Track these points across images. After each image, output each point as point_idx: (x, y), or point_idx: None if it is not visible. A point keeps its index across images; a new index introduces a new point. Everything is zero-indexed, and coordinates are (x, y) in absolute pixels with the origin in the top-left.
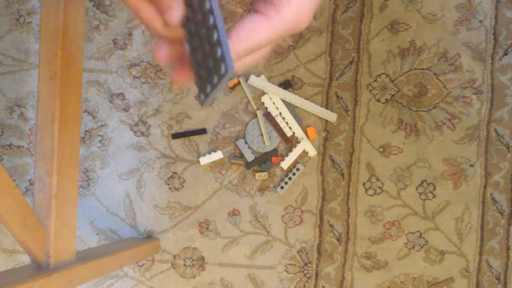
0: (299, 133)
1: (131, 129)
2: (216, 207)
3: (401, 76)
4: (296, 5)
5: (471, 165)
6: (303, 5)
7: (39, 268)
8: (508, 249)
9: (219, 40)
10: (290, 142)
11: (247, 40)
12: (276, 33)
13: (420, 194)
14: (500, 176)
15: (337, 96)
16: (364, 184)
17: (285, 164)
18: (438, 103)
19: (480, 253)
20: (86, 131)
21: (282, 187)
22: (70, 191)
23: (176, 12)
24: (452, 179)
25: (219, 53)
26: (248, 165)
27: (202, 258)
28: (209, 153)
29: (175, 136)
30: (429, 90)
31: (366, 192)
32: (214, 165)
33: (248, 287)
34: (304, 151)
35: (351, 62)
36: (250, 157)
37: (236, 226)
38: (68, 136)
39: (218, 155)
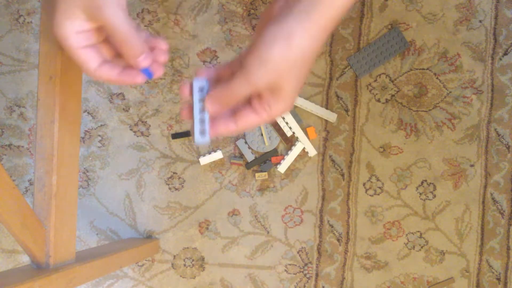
0: (299, 133)
1: (131, 129)
2: (216, 207)
3: (401, 76)
4: (284, 108)
5: (471, 165)
6: (289, 106)
7: (39, 268)
8: (508, 249)
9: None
10: (290, 142)
11: (242, 127)
12: (265, 122)
13: (420, 194)
14: (500, 176)
15: (337, 96)
16: (364, 184)
17: (283, 167)
18: (438, 103)
19: (481, 253)
20: (86, 131)
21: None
22: (70, 191)
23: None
24: (452, 179)
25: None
26: (248, 165)
27: (202, 258)
28: (209, 153)
29: (175, 136)
30: (429, 90)
31: (366, 192)
32: (214, 165)
33: (248, 287)
34: (304, 151)
35: None
36: (250, 157)
37: (236, 226)
38: (68, 136)
39: (218, 155)
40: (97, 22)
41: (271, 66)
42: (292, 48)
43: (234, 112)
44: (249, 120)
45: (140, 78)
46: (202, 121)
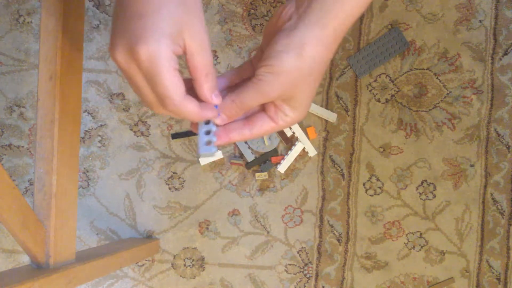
0: (299, 133)
1: (131, 129)
2: (216, 207)
3: (401, 76)
4: (299, 117)
5: (471, 165)
6: (304, 115)
7: (39, 268)
8: (508, 249)
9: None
10: (290, 142)
11: (257, 134)
12: (281, 129)
13: (420, 194)
14: (500, 176)
15: (337, 96)
16: (364, 184)
17: (283, 167)
18: (438, 103)
19: (481, 253)
20: (86, 131)
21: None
22: (70, 191)
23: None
24: (452, 179)
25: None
26: (248, 165)
27: (202, 258)
28: None
29: (175, 136)
30: (429, 90)
31: (366, 192)
32: (214, 165)
33: (248, 287)
34: (304, 151)
35: None
36: (250, 157)
37: (236, 226)
38: (68, 136)
39: (218, 155)
40: (183, 47)
41: (283, 77)
42: (305, 58)
43: (247, 118)
44: (264, 127)
45: (218, 115)
46: (207, 133)
